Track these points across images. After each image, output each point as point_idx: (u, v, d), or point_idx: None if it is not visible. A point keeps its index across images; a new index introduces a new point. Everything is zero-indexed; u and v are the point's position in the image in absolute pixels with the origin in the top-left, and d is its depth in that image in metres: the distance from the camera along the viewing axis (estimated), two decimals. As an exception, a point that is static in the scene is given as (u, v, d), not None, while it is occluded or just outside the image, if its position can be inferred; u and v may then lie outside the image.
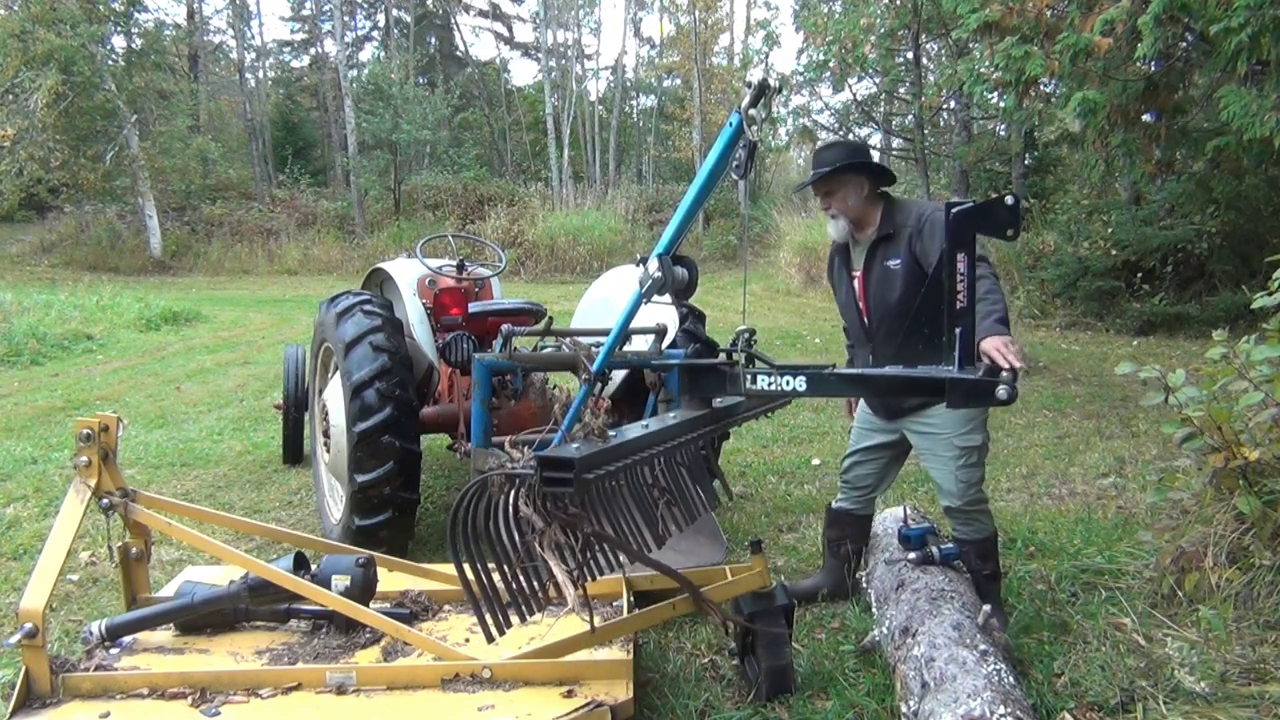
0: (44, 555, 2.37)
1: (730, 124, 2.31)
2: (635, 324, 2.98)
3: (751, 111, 2.27)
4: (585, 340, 3.46)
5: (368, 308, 3.55)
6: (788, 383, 2.27)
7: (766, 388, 2.31)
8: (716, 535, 3.43)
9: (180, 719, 2.19)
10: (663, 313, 3.46)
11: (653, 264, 2.57)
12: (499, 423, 3.68)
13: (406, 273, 4.36)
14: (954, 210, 1.97)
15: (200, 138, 23.41)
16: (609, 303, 4.12)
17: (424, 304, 4.21)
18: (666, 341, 3.47)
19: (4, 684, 2.61)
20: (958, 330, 1.98)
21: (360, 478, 3.32)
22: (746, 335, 2.55)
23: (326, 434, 3.82)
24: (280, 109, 31.04)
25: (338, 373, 3.60)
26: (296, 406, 5.11)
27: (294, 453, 5.23)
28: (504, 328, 3.36)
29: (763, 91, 2.25)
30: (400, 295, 4.25)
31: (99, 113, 19.76)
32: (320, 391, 4.12)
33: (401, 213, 24.05)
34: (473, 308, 4.14)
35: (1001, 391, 1.93)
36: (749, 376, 2.34)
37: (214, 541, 2.67)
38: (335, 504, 3.91)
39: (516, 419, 3.88)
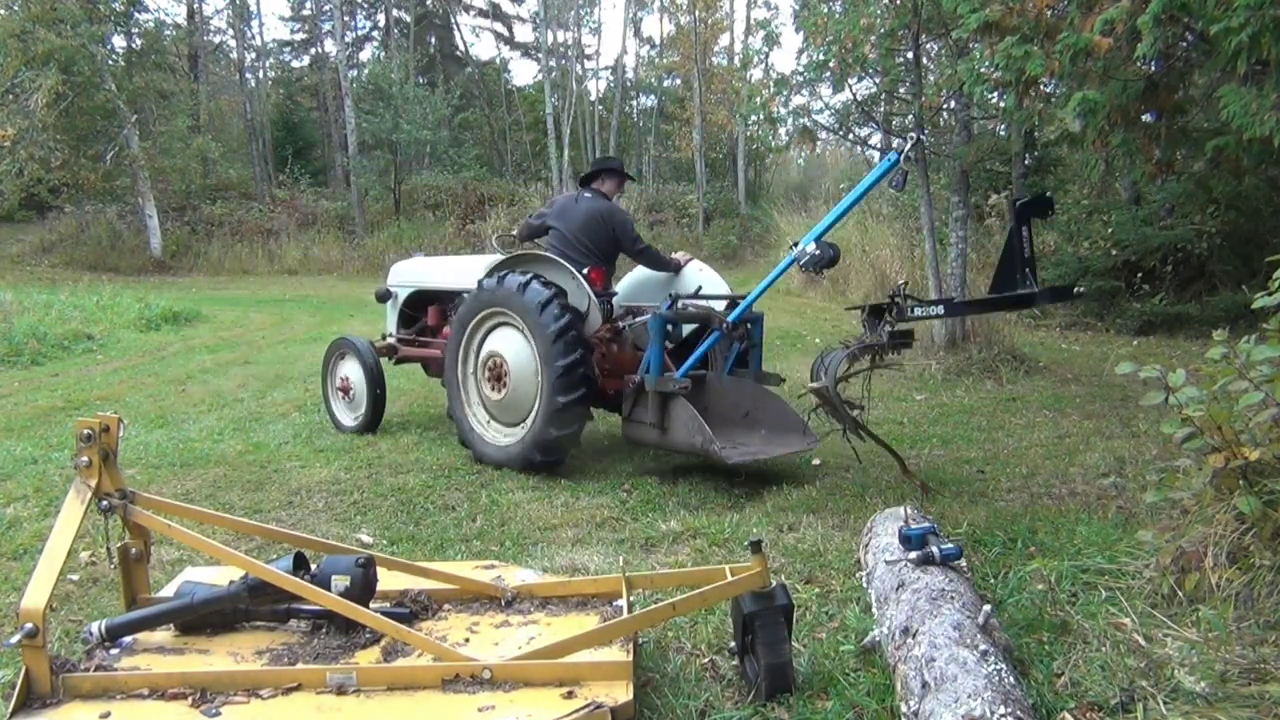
0: (44, 555, 2.37)
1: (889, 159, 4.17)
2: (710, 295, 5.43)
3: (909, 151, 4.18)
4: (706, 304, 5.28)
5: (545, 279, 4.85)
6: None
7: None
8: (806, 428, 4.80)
9: (180, 719, 2.19)
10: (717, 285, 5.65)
11: (811, 245, 4.43)
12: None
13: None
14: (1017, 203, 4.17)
15: (200, 138, 23.44)
16: (644, 282, 5.83)
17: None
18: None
19: (4, 684, 2.61)
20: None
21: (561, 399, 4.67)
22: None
23: (499, 378, 4.98)
24: (280, 109, 31.05)
25: (503, 328, 5.01)
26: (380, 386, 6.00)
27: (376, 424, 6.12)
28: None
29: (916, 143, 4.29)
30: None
31: (99, 113, 19.78)
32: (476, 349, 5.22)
33: (401, 213, 24.06)
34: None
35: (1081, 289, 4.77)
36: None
37: (213, 543, 2.67)
38: (500, 432, 5.10)
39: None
